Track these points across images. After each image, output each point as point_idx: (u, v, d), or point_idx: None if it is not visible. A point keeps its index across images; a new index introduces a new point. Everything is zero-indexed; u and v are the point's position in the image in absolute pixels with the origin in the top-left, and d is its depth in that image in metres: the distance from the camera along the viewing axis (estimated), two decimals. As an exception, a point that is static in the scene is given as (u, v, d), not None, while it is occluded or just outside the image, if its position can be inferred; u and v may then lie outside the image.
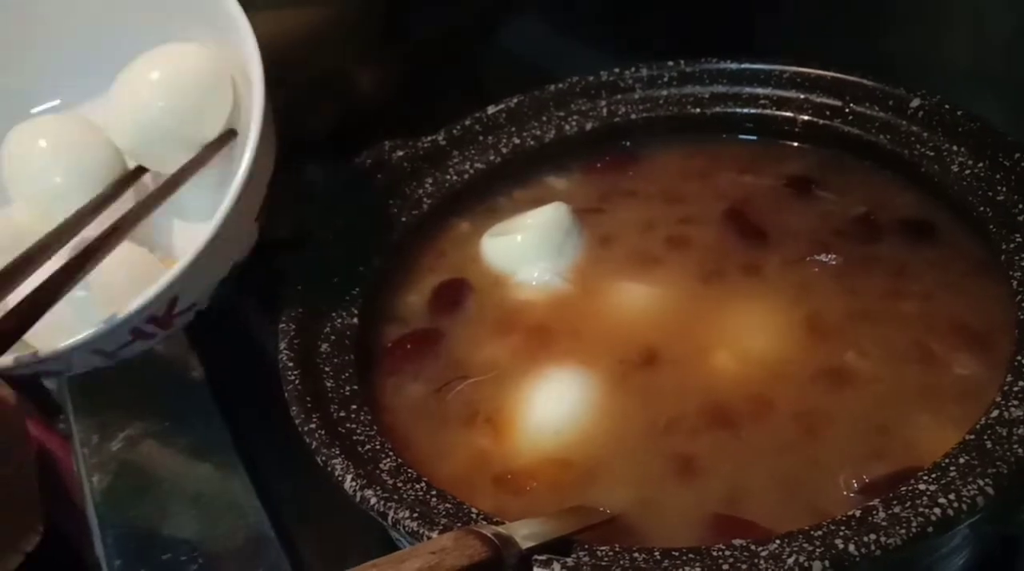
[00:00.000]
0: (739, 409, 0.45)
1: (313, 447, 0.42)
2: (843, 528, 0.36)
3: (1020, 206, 0.49)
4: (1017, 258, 0.47)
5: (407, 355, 0.51)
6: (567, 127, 0.63)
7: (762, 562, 0.34)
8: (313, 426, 0.43)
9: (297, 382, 0.46)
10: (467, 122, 0.62)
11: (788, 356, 0.48)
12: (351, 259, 0.55)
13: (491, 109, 0.63)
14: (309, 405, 0.44)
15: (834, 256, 0.53)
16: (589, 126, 0.63)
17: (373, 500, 0.39)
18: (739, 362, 0.48)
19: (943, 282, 0.50)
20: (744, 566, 0.34)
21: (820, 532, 0.36)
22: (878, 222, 0.54)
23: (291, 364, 0.47)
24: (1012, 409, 0.39)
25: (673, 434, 0.45)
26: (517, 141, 0.62)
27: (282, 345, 0.48)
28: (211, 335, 0.79)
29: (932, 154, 0.55)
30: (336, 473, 0.41)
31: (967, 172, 0.53)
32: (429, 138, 0.62)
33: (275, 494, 0.65)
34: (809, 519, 0.37)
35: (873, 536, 0.34)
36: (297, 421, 0.44)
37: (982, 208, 0.50)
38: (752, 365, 0.48)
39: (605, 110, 0.64)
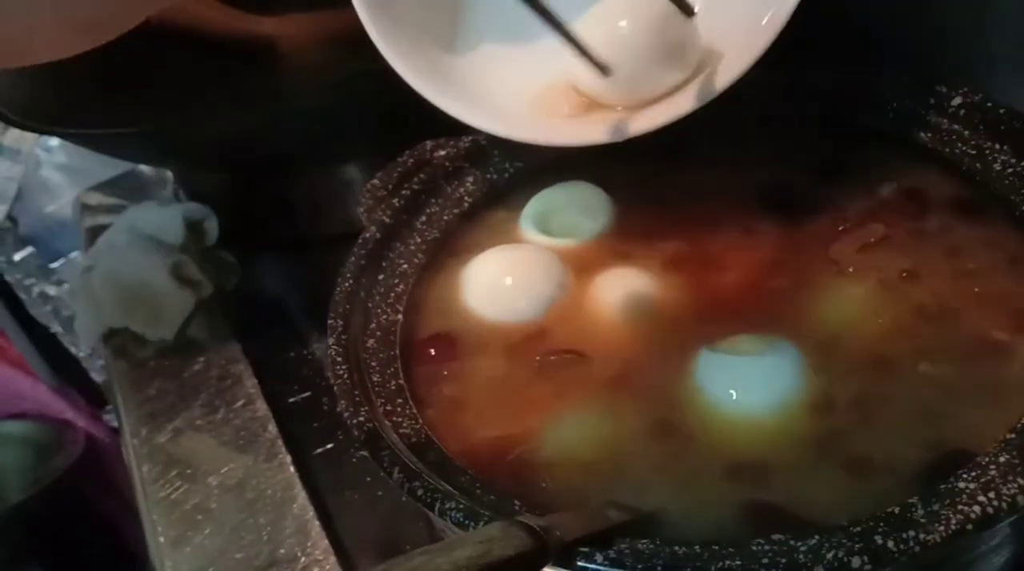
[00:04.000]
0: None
1: (362, 440, 0.44)
2: (882, 524, 0.36)
3: (1063, 206, 0.49)
4: (1058, 258, 0.47)
5: (433, 358, 0.52)
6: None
7: (800, 556, 0.35)
8: (362, 419, 0.44)
9: (345, 376, 0.47)
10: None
11: (843, 334, 0.48)
12: (396, 256, 0.57)
13: (532, 109, 0.63)
14: (357, 399, 0.46)
15: (883, 227, 0.53)
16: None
17: (421, 491, 0.40)
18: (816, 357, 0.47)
19: (998, 261, 0.50)
20: (783, 560, 0.35)
21: (859, 528, 0.36)
22: (926, 196, 0.54)
23: (340, 359, 0.48)
24: (1053, 408, 0.39)
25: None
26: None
27: (331, 340, 0.50)
28: (257, 328, 0.82)
29: (974, 153, 0.54)
30: (385, 465, 0.42)
31: (1009, 170, 0.52)
32: (470, 137, 0.62)
33: (320, 483, 0.67)
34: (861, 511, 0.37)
35: (912, 532, 0.34)
36: (346, 415, 0.45)
37: (1024, 207, 0.50)
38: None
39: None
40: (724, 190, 0.59)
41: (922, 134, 0.57)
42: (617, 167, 0.62)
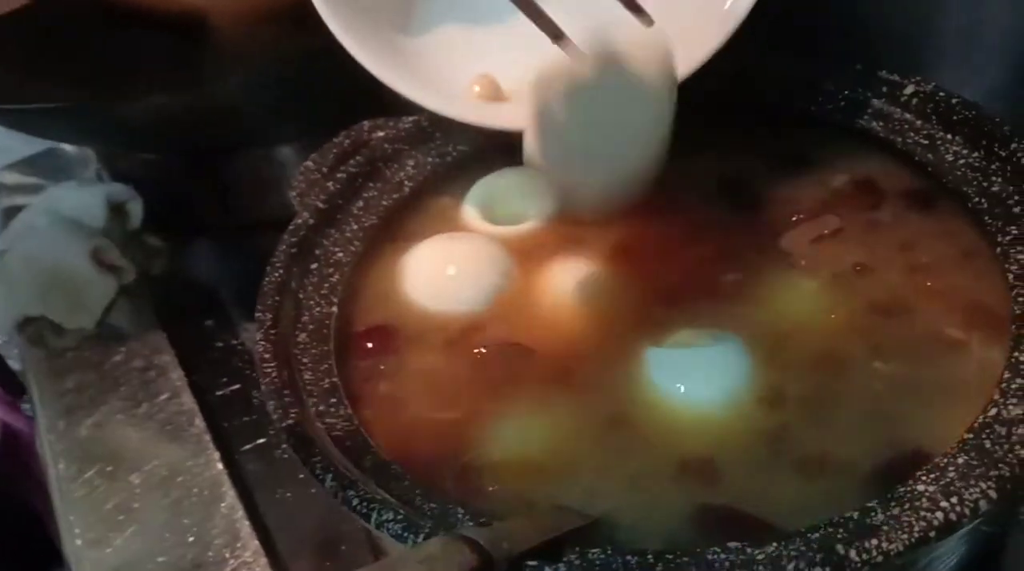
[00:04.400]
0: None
1: (292, 444, 0.41)
2: (841, 530, 0.35)
3: (1016, 197, 0.48)
4: (1013, 251, 0.46)
5: (371, 352, 0.49)
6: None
7: (760, 567, 0.33)
8: (292, 422, 0.41)
9: (274, 374, 0.44)
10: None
11: (794, 329, 0.47)
12: (330, 244, 0.53)
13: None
14: (288, 399, 0.43)
15: (836, 218, 0.52)
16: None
17: (356, 501, 0.37)
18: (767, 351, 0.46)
19: (951, 254, 0.49)
20: (741, 571, 0.33)
21: (818, 535, 0.35)
22: (881, 188, 0.54)
23: (268, 356, 0.45)
24: (1011, 407, 0.38)
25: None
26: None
27: (259, 336, 0.46)
28: (184, 317, 0.78)
29: (926, 142, 0.54)
30: (317, 472, 0.39)
31: (961, 162, 0.52)
32: (411, 118, 0.59)
33: (250, 481, 0.64)
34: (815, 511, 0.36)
35: (875, 541, 0.33)
36: (275, 417, 0.42)
37: (977, 199, 0.50)
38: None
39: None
40: (675, 179, 0.57)
41: (875, 124, 0.56)
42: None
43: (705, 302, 0.49)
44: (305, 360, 0.46)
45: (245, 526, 0.60)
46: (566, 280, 0.52)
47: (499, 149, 0.59)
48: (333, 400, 0.44)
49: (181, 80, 0.74)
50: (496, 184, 0.58)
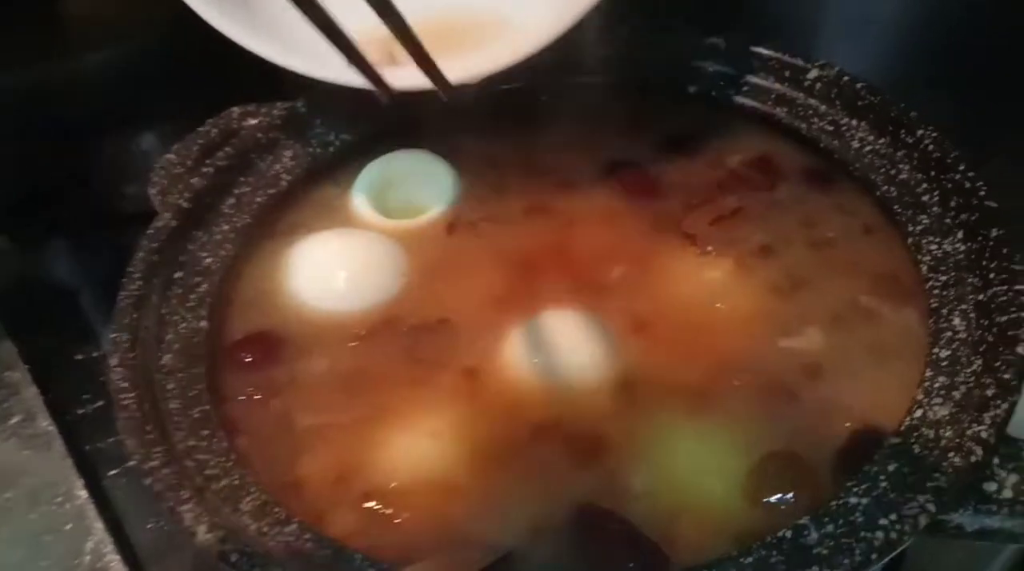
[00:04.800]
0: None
1: (156, 491, 0.35)
2: (775, 553, 0.32)
3: (924, 185, 0.47)
4: (924, 242, 0.45)
5: (250, 366, 0.44)
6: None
7: (693, 606, 0.30)
8: (156, 464, 0.35)
9: (133, 407, 0.38)
10: (332, 87, 0.54)
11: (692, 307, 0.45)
12: (197, 248, 0.47)
13: (358, 73, 0.55)
14: (150, 436, 0.37)
15: (735, 199, 0.50)
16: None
17: (235, 557, 0.32)
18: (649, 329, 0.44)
19: (853, 229, 0.48)
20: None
21: (751, 559, 0.32)
22: (777, 168, 0.52)
23: (125, 384, 0.39)
24: (936, 408, 0.37)
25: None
26: (389, 109, 0.55)
27: (114, 361, 0.40)
28: (38, 326, 0.70)
29: (831, 129, 0.52)
30: (186, 523, 0.33)
31: (868, 149, 0.50)
32: (286, 104, 0.54)
33: (120, 511, 0.57)
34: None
35: (816, 569, 0.30)
36: (135, 459, 0.36)
37: (885, 187, 0.48)
38: (670, 330, 0.44)
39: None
40: (573, 162, 0.54)
41: (777, 109, 0.54)
42: (461, 138, 0.55)
43: (600, 285, 0.47)
44: (170, 386, 0.40)
45: (115, 562, 0.53)
46: (464, 276, 0.48)
47: (389, 133, 0.54)
48: (205, 432, 0.39)
49: (31, 57, 0.68)
50: (388, 169, 0.53)
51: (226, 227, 0.49)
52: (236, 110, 0.55)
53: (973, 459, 0.33)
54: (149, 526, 0.56)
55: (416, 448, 0.40)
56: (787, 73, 0.54)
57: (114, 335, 0.41)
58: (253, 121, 0.53)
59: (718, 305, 0.45)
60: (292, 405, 0.42)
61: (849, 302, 0.45)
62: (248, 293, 0.48)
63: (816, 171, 0.52)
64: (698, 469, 0.39)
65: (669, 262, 0.48)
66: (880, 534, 0.31)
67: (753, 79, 0.55)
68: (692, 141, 0.55)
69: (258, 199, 0.51)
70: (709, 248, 0.49)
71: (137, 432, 0.37)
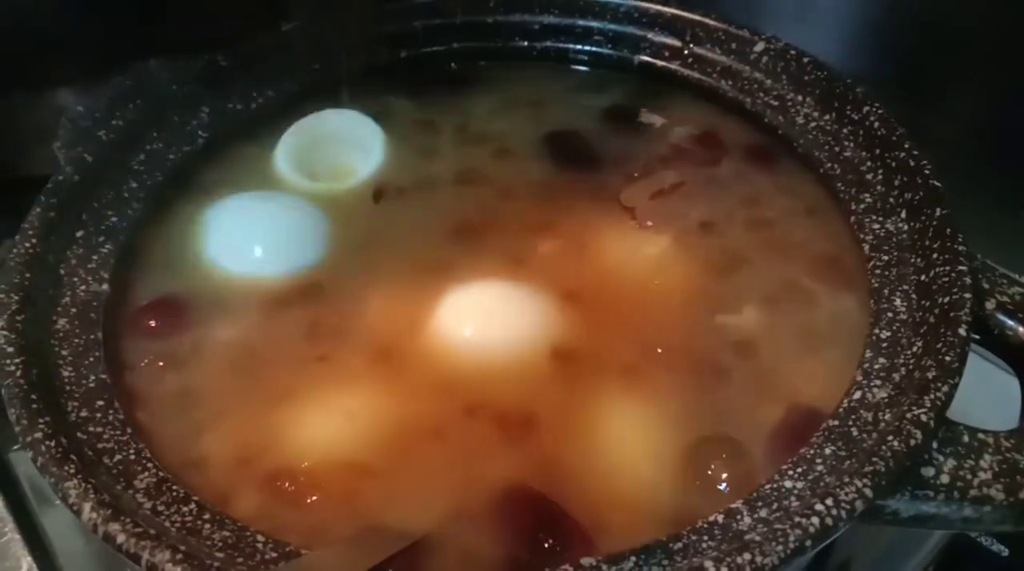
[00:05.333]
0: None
1: (39, 464, 0.32)
2: (707, 539, 0.31)
3: (868, 163, 0.46)
4: (867, 220, 0.44)
5: (154, 332, 0.40)
6: (377, 53, 0.54)
7: (619, 591, 0.28)
8: (39, 435, 0.32)
9: (18, 373, 0.34)
10: (255, 41, 0.51)
11: (648, 291, 0.43)
12: (102, 206, 0.44)
13: (286, 27, 0.52)
14: (35, 405, 0.33)
15: (675, 174, 0.49)
16: (403, 54, 0.54)
17: (121, 538, 0.29)
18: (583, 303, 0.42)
19: (796, 210, 0.47)
20: (598, 600, 0.28)
21: (681, 544, 0.31)
22: (720, 142, 0.51)
23: (11, 349, 0.35)
24: (875, 390, 0.36)
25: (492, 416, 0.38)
26: (317, 67, 0.52)
27: (0, 323, 0.36)
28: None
29: (776, 103, 0.51)
30: (71, 501, 0.30)
31: (812, 125, 0.49)
32: (207, 57, 0.50)
33: (23, 485, 0.53)
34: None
35: (747, 556, 0.29)
36: (18, 428, 0.33)
37: (829, 164, 0.47)
38: (604, 305, 0.42)
39: (422, 36, 0.55)
40: (510, 130, 0.52)
41: (723, 82, 0.53)
42: (392, 99, 0.53)
43: (531, 259, 0.45)
44: (65, 352, 0.37)
45: (16, 542, 0.50)
46: (388, 244, 0.45)
47: (316, 91, 0.52)
48: (100, 402, 0.35)
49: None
50: (314, 129, 0.50)
51: (135, 185, 0.45)
52: (153, 62, 0.51)
53: (912, 443, 0.32)
54: (57, 505, 0.53)
55: (329, 426, 0.37)
56: (733, 45, 0.52)
57: (2, 296, 0.37)
58: (169, 74, 0.50)
59: (655, 281, 0.44)
60: (197, 376, 0.39)
61: (788, 283, 0.44)
62: (156, 256, 0.44)
63: (760, 147, 0.51)
64: (631, 451, 0.37)
65: (606, 235, 0.46)
66: (815, 520, 0.30)
67: (698, 50, 0.53)
68: (634, 113, 0.53)
69: (171, 156, 0.47)
70: (648, 222, 0.47)
71: (23, 401, 0.33)
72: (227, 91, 0.50)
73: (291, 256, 0.44)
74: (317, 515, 0.34)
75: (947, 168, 0.43)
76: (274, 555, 0.30)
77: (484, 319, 0.41)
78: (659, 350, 0.40)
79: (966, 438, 0.34)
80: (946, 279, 0.38)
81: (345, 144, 0.50)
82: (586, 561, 0.30)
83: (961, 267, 0.38)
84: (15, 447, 0.56)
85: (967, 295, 0.37)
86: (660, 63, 0.54)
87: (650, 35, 0.55)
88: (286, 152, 0.49)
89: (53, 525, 0.51)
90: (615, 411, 0.38)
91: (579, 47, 0.56)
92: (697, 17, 0.54)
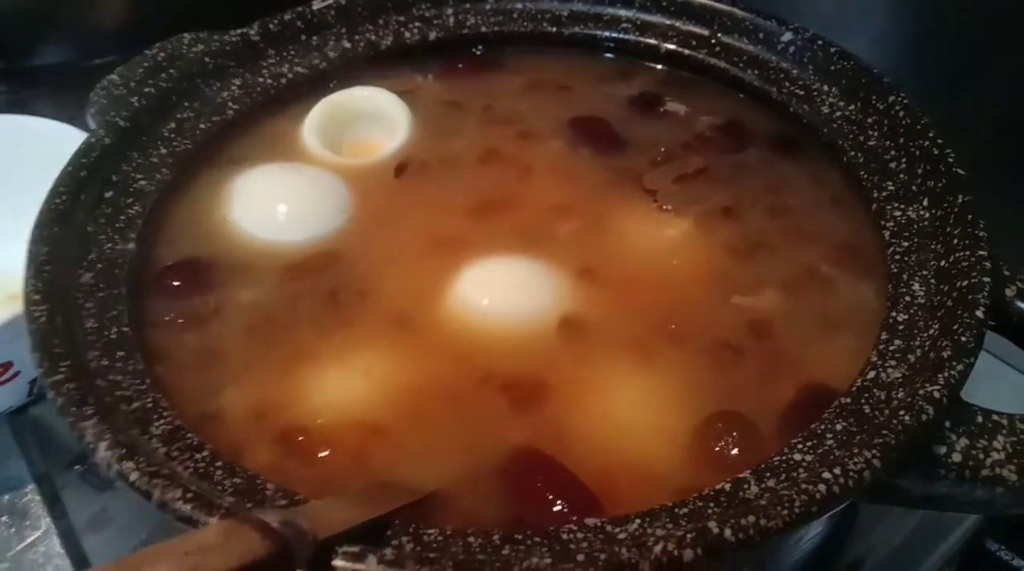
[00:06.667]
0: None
1: (59, 405, 0.32)
2: (712, 505, 0.31)
3: (892, 152, 0.46)
4: (889, 208, 0.43)
5: (177, 292, 0.41)
6: (407, 34, 0.54)
7: (623, 550, 0.28)
8: (60, 377, 0.33)
9: (43, 320, 0.35)
10: (287, 17, 0.52)
11: (666, 271, 0.43)
12: (132, 169, 0.45)
13: (317, 4, 0.53)
14: (58, 350, 0.34)
15: (700, 159, 0.49)
16: (432, 35, 0.55)
17: (134, 475, 0.30)
18: (599, 279, 0.42)
19: (821, 198, 0.47)
20: (602, 556, 0.28)
21: (686, 510, 0.31)
22: (745, 130, 0.51)
23: (37, 297, 0.36)
24: (889, 370, 0.35)
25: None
26: (347, 45, 0.53)
27: (29, 272, 0.37)
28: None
29: (802, 93, 0.51)
30: (87, 439, 0.31)
31: (838, 114, 0.49)
32: (238, 32, 0.51)
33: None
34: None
35: (752, 518, 0.29)
36: (40, 370, 0.34)
37: (853, 153, 0.47)
38: (620, 282, 0.42)
39: (452, 19, 0.55)
40: (536, 113, 0.52)
41: (749, 71, 0.53)
42: (420, 79, 0.53)
43: (550, 236, 0.45)
44: (89, 304, 0.38)
45: (36, 503, 0.52)
46: (413, 218, 0.46)
47: (345, 69, 0.52)
48: (120, 353, 0.36)
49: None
50: (342, 105, 0.51)
51: (164, 151, 0.46)
52: (187, 36, 0.53)
53: (924, 418, 0.32)
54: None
55: (344, 387, 0.38)
56: (760, 35, 0.52)
57: (31, 246, 0.38)
58: (202, 47, 0.51)
59: (673, 261, 0.44)
60: (217, 336, 0.40)
61: (807, 268, 0.44)
62: (182, 220, 0.45)
63: (784, 136, 0.50)
64: (641, 423, 0.37)
65: (627, 216, 0.46)
66: (822, 487, 0.29)
67: (725, 39, 0.53)
68: (660, 100, 0.54)
69: (201, 126, 0.48)
70: (669, 206, 0.47)
71: (46, 345, 0.34)
72: (258, 66, 0.51)
73: (313, 224, 0.45)
74: (328, 470, 0.35)
75: (978, 169, 0.43)
76: (283, 503, 0.31)
77: (500, 291, 0.41)
78: (673, 327, 0.40)
79: (980, 419, 0.34)
80: (965, 264, 0.38)
81: (372, 121, 0.51)
82: (591, 521, 0.30)
83: (981, 252, 0.38)
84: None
85: (985, 279, 0.36)
86: (687, 51, 0.54)
87: (678, 24, 0.55)
88: (313, 127, 0.50)
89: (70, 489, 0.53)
90: (627, 384, 0.38)
91: (607, 34, 0.56)
92: (725, 7, 0.54)
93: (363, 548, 0.28)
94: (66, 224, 0.40)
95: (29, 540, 0.52)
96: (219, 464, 0.32)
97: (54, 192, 0.41)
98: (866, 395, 0.34)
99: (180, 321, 0.40)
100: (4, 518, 0.53)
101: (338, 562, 0.27)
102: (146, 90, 0.47)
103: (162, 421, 0.34)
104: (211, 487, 0.31)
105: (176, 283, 0.41)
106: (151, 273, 0.42)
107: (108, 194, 0.43)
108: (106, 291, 0.39)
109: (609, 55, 0.56)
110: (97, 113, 0.48)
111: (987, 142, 0.64)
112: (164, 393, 0.35)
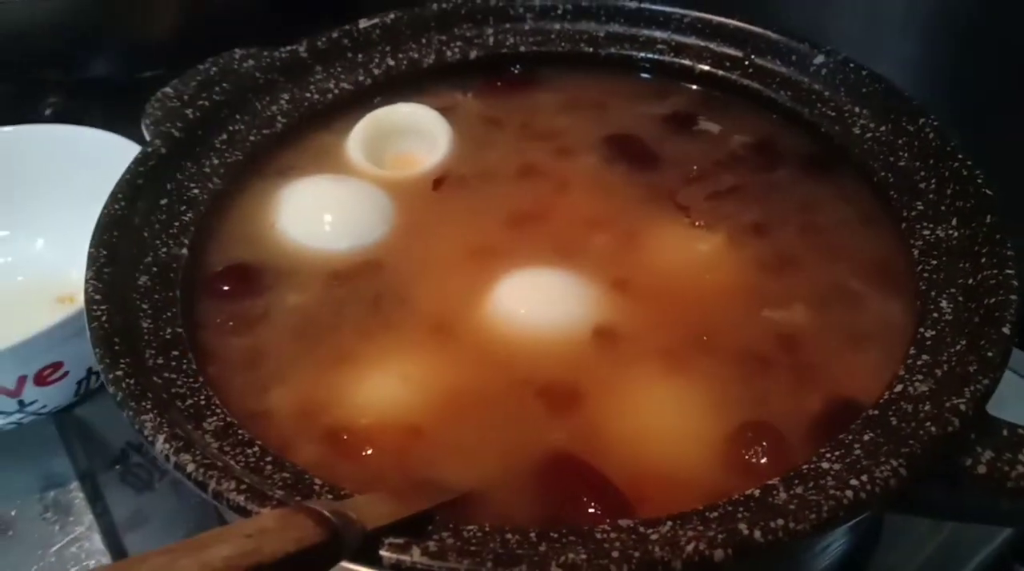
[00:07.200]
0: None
1: (119, 399, 0.34)
2: (742, 510, 0.32)
3: (922, 173, 0.46)
4: (918, 227, 0.44)
5: (227, 296, 0.43)
6: (448, 53, 0.56)
7: (656, 549, 0.29)
8: (120, 373, 0.35)
9: (104, 319, 0.37)
10: (334, 35, 0.54)
11: (697, 284, 0.44)
12: (185, 178, 0.47)
13: (363, 23, 0.55)
14: (117, 348, 0.36)
15: (732, 177, 0.50)
16: (473, 54, 0.57)
17: (191, 467, 0.31)
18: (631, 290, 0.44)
19: (850, 218, 0.48)
20: (636, 553, 0.29)
21: (717, 513, 0.32)
22: (777, 150, 0.52)
23: (98, 297, 0.38)
24: (917, 384, 0.36)
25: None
26: (391, 63, 0.55)
27: (89, 274, 0.39)
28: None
29: (833, 114, 0.52)
30: (146, 432, 0.33)
31: (868, 135, 0.50)
32: (287, 48, 0.53)
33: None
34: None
35: (781, 521, 0.30)
36: (101, 366, 0.35)
37: (883, 173, 0.48)
38: (652, 294, 0.43)
39: (492, 39, 0.57)
40: (573, 131, 0.54)
41: (782, 92, 0.54)
42: (461, 96, 0.55)
43: (585, 249, 0.46)
44: (145, 306, 0.40)
45: (80, 501, 0.54)
46: (453, 230, 0.47)
47: (388, 85, 0.54)
48: (175, 352, 0.38)
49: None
50: (385, 120, 0.53)
51: (216, 161, 0.48)
52: (238, 51, 0.55)
53: (950, 429, 0.33)
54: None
55: (387, 389, 0.39)
56: (793, 57, 0.54)
57: (91, 249, 0.40)
58: (253, 62, 0.53)
59: (705, 276, 0.45)
60: (265, 337, 0.42)
61: (837, 285, 0.44)
62: (232, 227, 0.47)
63: (816, 156, 0.52)
64: (673, 431, 0.38)
65: (660, 232, 0.47)
66: (850, 493, 0.30)
67: (759, 61, 0.55)
68: (694, 119, 0.55)
69: (251, 138, 0.50)
70: (701, 221, 0.48)
71: (106, 343, 0.36)
72: (306, 81, 0.53)
73: (357, 233, 0.46)
74: (370, 468, 0.36)
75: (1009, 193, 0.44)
76: (329, 497, 0.32)
77: (535, 300, 0.43)
78: (704, 338, 0.41)
79: (1005, 432, 0.34)
80: (993, 282, 0.39)
81: (413, 136, 0.53)
82: (624, 522, 0.32)
83: (1008, 270, 0.39)
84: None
85: (1013, 296, 0.37)
86: (720, 72, 0.56)
87: (712, 45, 0.56)
88: (358, 141, 0.52)
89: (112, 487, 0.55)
90: (658, 392, 0.39)
91: (642, 55, 0.57)
92: (759, 30, 0.55)
93: (408, 540, 0.29)
94: (124, 229, 0.42)
95: (72, 535, 0.54)
96: (269, 459, 0.34)
97: (113, 198, 0.43)
98: (893, 407, 0.35)
99: (230, 323, 0.42)
100: (49, 514, 0.55)
101: (384, 552, 0.29)
102: (199, 103, 0.49)
103: (214, 417, 0.35)
104: (262, 480, 0.32)
105: (226, 287, 0.43)
106: (203, 277, 0.44)
107: (163, 201, 0.45)
108: (161, 293, 0.41)
109: (645, 75, 0.57)
110: (152, 124, 0.50)
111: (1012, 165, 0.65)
112: (216, 391, 0.37)
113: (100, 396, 0.57)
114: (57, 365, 0.52)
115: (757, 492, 0.33)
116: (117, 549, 0.53)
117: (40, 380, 0.52)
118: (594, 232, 0.47)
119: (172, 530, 0.54)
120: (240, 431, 0.35)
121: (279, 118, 0.51)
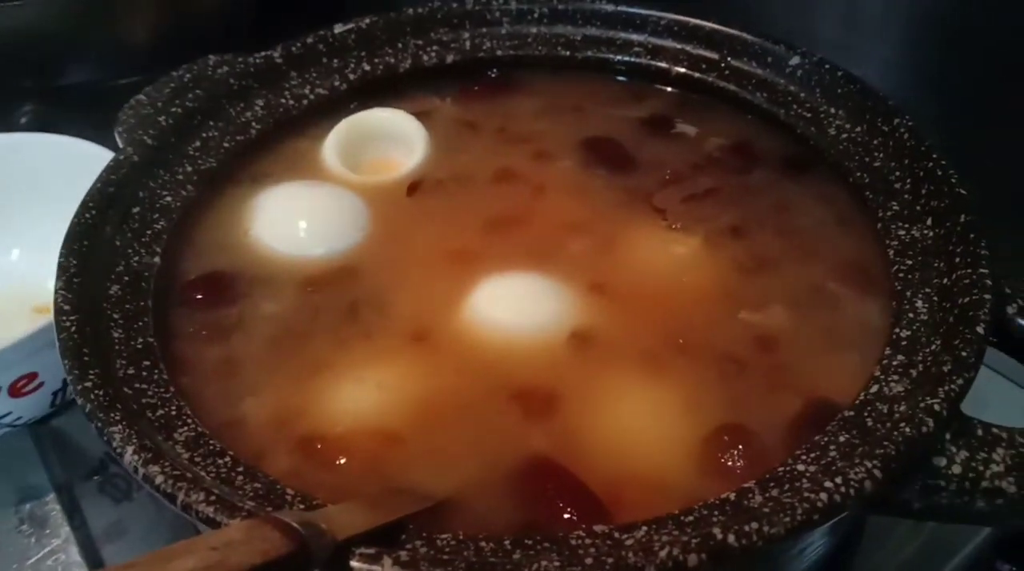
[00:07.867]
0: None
1: (87, 410, 0.34)
2: (717, 514, 0.32)
3: (897, 173, 0.47)
4: (893, 227, 0.44)
5: (200, 304, 0.43)
6: (425, 57, 0.56)
7: (630, 554, 0.29)
8: (89, 384, 0.34)
9: (73, 329, 0.37)
10: (309, 40, 0.54)
11: (674, 287, 0.44)
12: (158, 186, 0.46)
13: (338, 28, 0.55)
14: (87, 358, 0.36)
15: (709, 180, 0.50)
16: (450, 59, 0.56)
17: (160, 479, 0.31)
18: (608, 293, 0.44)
19: (827, 219, 0.48)
20: (610, 560, 0.29)
21: (692, 518, 0.32)
22: (754, 152, 0.52)
23: (67, 307, 0.38)
24: (892, 384, 0.36)
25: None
26: (367, 67, 0.55)
27: (59, 284, 0.39)
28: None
29: (809, 115, 0.52)
30: (115, 444, 0.32)
31: (844, 136, 0.50)
32: (262, 54, 0.53)
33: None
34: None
35: (755, 525, 0.30)
36: (69, 378, 0.35)
37: (859, 174, 0.48)
38: (629, 297, 0.43)
39: (468, 43, 0.57)
40: (549, 134, 0.54)
41: (758, 94, 0.54)
42: (437, 100, 0.55)
43: (561, 253, 0.46)
44: (116, 315, 0.39)
45: (57, 513, 0.54)
46: (428, 235, 0.47)
47: (363, 91, 0.54)
48: (146, 363, 0.38)
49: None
50: (361, 126, 0.52)
51: (190, 168, 0.48)
52: (212, 58, 0.54)
53: (924, 430, 0.33)
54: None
55: (361, 397, 0.39)
56: (769, 59, 0.54)
57: (61, 259, 0.40)
58: (226, 68, 0.53)
59: (681, 278, 0.45)
60: (239, 347, 0.41)
61: (814, 286, 0.44)
62: (206, 235, 0.47)
63: (792, 157, 0.52)
64: (649, 434, 0.38)
65: (637, 234, 0.47)
66: (824, 496, 0.30)
67: (735, 63, 0.55)
68: (671, 122, 0.55)
69: (225, 144, 0.50)
70: (678, 224, 0.48)
71: (75, 353, 0.36)
72: (281, 87, 0.53)
73: (332, 239, 0.46)
74: (345, 477, 0.36)
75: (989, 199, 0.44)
76: (302, 507, 0.32)
77: (512, 304, 0.42)
78: (681, 341, 0.41)
79: (980, 432, 0.34)
80: (967, 281, 0.39)
81: (390, 141, 0.53)
82: (598, 528, 0.31)
83: (982, 270, 0.39)
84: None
85: (987, 296, 0.37)
86: (697, 75, 0.56)
87: (688, 48, 0.56)
88: (333, 147, 0.51)
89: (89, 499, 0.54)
90: (635, 395, 0.39)
91: (619, 58, 0.57)
92: (735, 32, 0.55)
93: (379, 550, 0.29)
94: (95, 238, 0.42)
95: (48, 548, 0.53)
96: (240, 469, 0.33)
97: (84, 207, 0.43)
98: (869, 408, 0.35)
99: (204, 332, 0.42)
100: (25, 526, 0.54)
101: (355, 563, 0.28)
102: (172, 110, 0.49)
103: (185, 428, 0.35)
104: (233, 491, 0.32)
105: (199, 296, 0.43)
106: (176, 286, 0.43)
107: (135, 209, 0.45)
108: (133, 303, 0.40)
109: (621, 78, 0.57)
110: (125, 131, 0.49)
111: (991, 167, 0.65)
112: (188, 401, 0.37)
113: (77, 407, 0.57)
114: (32, 376, 0.52)
115: (732, 495, 0.32)
116: (95, 561, 0.52)
117: (15, 391, 0.51)
118: (571, 236, 0.47)
119: (151, 541, 0.53)
120: (212, 441, 0.35)
121: (253, 124, 0.51)
